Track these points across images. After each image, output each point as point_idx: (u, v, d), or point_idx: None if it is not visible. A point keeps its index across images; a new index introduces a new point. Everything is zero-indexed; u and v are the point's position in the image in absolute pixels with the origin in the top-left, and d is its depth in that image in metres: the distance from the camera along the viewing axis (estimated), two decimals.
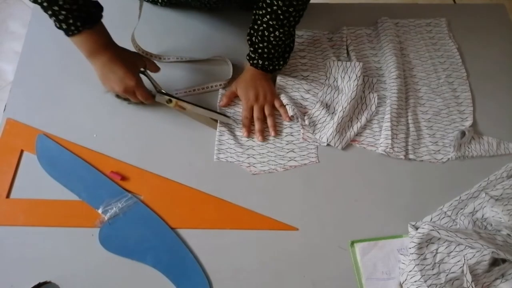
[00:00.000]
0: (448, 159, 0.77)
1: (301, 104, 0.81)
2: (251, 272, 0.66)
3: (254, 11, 0.71)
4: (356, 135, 0.78)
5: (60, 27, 0.62)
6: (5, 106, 0.77)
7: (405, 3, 1.00)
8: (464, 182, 0.75)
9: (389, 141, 0.76)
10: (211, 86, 0.81)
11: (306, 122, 0.78)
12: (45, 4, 0.59)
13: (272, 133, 0.77)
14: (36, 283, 0.62)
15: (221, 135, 0.76)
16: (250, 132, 0.77)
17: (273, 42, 0.72)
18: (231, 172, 0.74)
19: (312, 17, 0.90)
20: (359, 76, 0.80)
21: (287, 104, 0.78)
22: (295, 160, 0.75)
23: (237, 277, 0.65)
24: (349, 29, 0.90)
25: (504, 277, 0.63)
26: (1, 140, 0.73)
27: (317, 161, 0.75)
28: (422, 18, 0.94)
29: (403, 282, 0.65)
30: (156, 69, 0.76)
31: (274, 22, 0.69)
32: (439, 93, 0.85)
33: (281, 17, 0.68)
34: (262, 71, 0.78)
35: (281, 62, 0.79)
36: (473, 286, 0.60)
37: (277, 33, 0.70)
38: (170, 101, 0.74)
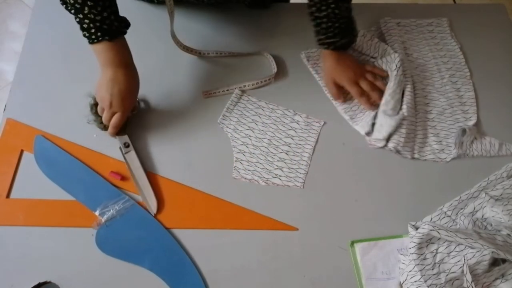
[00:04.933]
0: (452, 158, 0.77)
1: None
2: (250, 272, 0.66)
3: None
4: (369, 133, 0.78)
5: (84, 35, 0.66)
6: (5, 106, 0.77)
7: (405, 3, 1.00)
8: (464, 182, 0.75)
9: (402, 139, 0.75)
10: (261, 82, 0.82)
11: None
12: (72, 11, 0.65)
13: (378, 100, 0.78)
14: (36, 283, 0.62)
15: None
16: (369, 103, 0.79)
17: (338, 15, 0.73)
18: (230, 172, 0.74)
19: None
20: (399, 67, 0.80)
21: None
22: (280, 179, 0.74)
23: (236, 277, 0.65)
24: None
25: (504, 277, 0.63)
26: (1, 140, 0.73)
27: (302, 187, 0.73)
28: (423, 18, 0.93)
29: (403, 282, 0.65)
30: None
31: None
32: (442, 93, 0.84)
33: None
34: (338, 53, 0.78)
35: (354, 34, 0.78)
36: (473, 286, 0.60)
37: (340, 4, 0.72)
38: (127, 146, 0.72)
